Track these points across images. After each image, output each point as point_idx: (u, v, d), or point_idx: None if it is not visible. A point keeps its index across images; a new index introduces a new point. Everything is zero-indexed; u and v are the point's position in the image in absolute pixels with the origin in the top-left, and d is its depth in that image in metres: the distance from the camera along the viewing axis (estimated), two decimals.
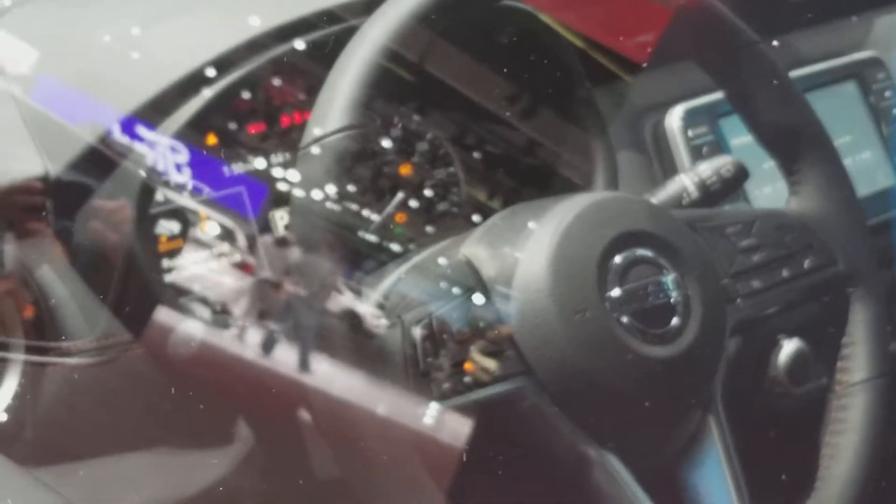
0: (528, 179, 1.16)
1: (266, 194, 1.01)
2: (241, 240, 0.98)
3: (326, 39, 1.01)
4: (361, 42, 0.83)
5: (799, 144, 0.97)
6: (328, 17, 1.03)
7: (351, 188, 1.02)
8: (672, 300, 0.84)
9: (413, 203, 1.10)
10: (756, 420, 1.11)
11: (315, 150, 0.78)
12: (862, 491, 0.89)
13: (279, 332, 0.94)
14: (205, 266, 0.97)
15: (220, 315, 0.92)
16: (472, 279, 0.83)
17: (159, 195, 0.95)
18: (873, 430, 0.92)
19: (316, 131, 0.78)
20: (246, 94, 1.01)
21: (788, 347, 1.07)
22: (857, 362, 0.94)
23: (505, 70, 1.12)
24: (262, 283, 0.92)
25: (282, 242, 0.86)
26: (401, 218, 1.10)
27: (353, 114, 0.79)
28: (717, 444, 0.86)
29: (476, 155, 1.15)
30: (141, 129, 0.94)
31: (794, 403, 1.07)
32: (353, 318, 0.81)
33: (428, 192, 1.11)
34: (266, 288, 0.90)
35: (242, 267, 0.97)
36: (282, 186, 0.98)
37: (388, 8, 0.85)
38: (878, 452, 0.91)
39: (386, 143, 1.08)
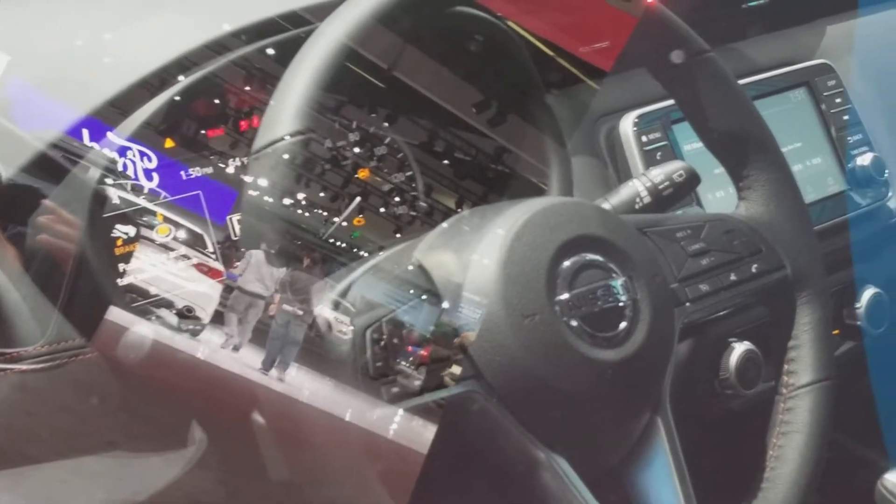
0: (485, 183, 1.17)
1: (224, 198, 1.01)
2: (200, 242, 0.98)
3: (289, 42, 1.01)
4: (313, 46, 0.83)
5: (747, 151, 0.98)
6: (292, 19, 1.03)
7: (307, 192, 1.03)
8: (621, 304, 0.85)
9: (371, 207, 1.10)
10: (706, 421, 1.12)
11: (265, 155, 0.79)
12: (806, 492, 0.91)
13: (241, 336, 0.95)
14: (163, 269, 0.97)
15: (180, 318, 0.93)
16: (424, 283, 0.83)
17: (116, 198, 0.95)
18: (818, 432, 0.93)
19: (266, 137, 0.79)
20: (205, 98, 1.01)
21: (739, 350, 1.10)
22: (802, 365, 0.96)
23: (462, 75, 1.13)
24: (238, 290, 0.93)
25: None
26: (359, 222, 1.10)
27: (303, 119, 0.79)
28: (665, 446, 0.87)
29: (435, 159, 1.15)
30: (97, 132, 0.94)
31: (744, 405, 1.09)
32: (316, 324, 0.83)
33: (386, 196, 1.12)
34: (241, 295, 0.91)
35: (204, 270, 0.98)
36: (237, 191, 0.99)
37: (341, 12, 0.86)
38: (822, 454, 0.93)
39: (343, 147, 1.08)
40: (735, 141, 0.98)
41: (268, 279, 0.97)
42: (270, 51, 1.04)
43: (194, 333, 0.93)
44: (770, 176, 0.99)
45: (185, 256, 0.97)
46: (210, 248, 0.97)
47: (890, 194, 1.33)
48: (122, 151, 0.95)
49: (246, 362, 0.94)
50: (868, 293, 1.28)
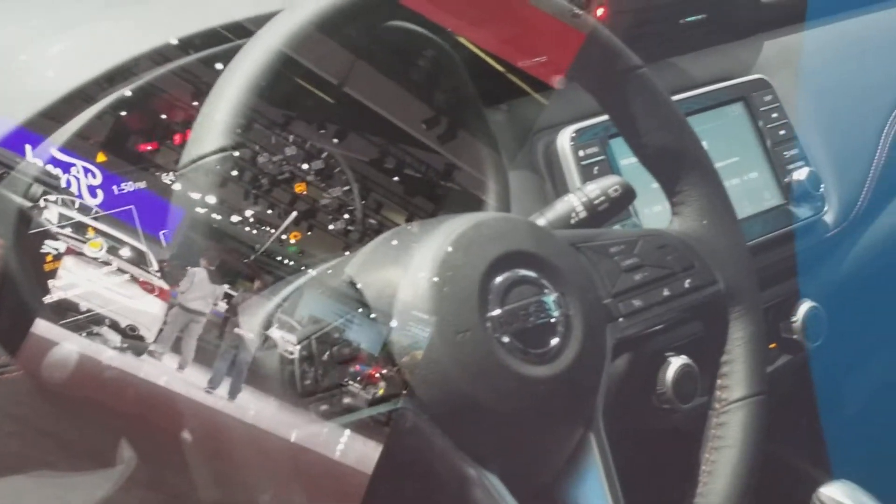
0: (423, 199, 1.17)
1: (157, 212, 1.00)
2: (144, 260, 0.97)
3: (231, 53, 1.00)
4: (243, 59, 0.83)
5: (680, 167, 0.99)
6: (235, 30, 1.02)
7: (240, 207, 1.02)
8: (553, 320, 0.84)
9: (308, 221, 1.10)
10: (644, 436, 1.13)
11: (191, 171, 0.78)
12: None
13: (184, 354, 0.94)
14: (98, 285, 0.95)
15: (123, 337, 0.91)
16: (356, 300, 0.83)
17: (46, 213, 0.93)
18: (750, 447, 0.94)
19: (190, 153, 0.78)
20: (140, 110, 1.00)
21: (675, 364, 1.10)
22: (735, 380, 0.96)
23: (398, 90, 1.13)
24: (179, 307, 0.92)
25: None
26: (295, 236, 1.09)
27: (229, 135, 0.78)
28: (598, 462, 0.87)
29: (382, 174, 1.15)
30: (27, 144, 0.92)
31: (681, 419, 1.09)
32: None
33: (323, 211, 1.11)
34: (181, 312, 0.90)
35: (149, 289, 0.96)
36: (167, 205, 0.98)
37: (274, 24, 0.85)
38: (754, 469, 0.93)
39: (278, 162, 1.08)
40: (668, 156, 0.99)
41: (210, 296, 0.96)
42: (210, 62, 1.03)
43: (138, 353, 0.92)
44: (703, 191, 0.99)
45: (127, 273, 0.95)
46: (154, 266, 0.96)
47: (826, 208, 1.34)
48: (52, 163, 0.94)
49: (190, 381, 0.92)
50: (804, 307, 1.28)
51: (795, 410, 1.35)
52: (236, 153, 0.78)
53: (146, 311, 0.94)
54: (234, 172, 0.97)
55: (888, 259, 1.44)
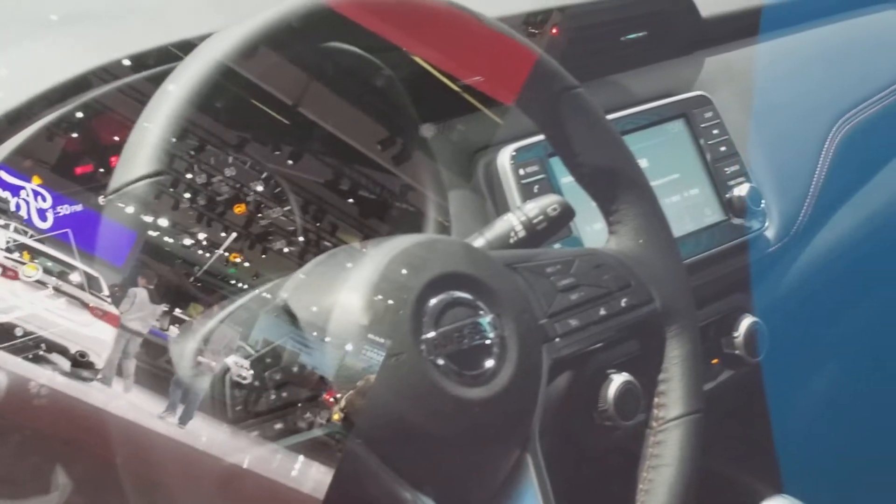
0: (363, 220, 1.17)
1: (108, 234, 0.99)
2: (96, 285, 0.95)
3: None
4: (172, 84, 0.82)
5: (616, 186, 0.99)
6: (185, 48, 1.01)
7: (178, 229, 1.01)
8: (488, 341, 0.84)
9: (248, 243, 1.09)
10: (584, 455, 1.13)
11: (121, 196, 0.77)
12: None
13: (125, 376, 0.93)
14: (39, 309, 0.94)
15: (73, 364, 0.90)
16: (289, 323, 0.82)
17: None
18: (687, 465, 0.94)
19: (119, 178, 0.77)
20: (74, 132, 0.99)
21: (617, 381, 1.10)
22: (672, 398, 0.96)
23: (337, 110, 1.12)
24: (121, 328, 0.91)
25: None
26: (235, 257, 1.09)
27: (157, 159, 0.77)
28: (534, 483, 0.87)
29: (313, 193, 1.15)
30: None
31: (623, 437, 1.10)
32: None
33: (263, 232, 1.11)
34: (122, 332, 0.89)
35: (99, 314, 0.95)
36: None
37: (200, 50, 0.84)
38: (691, 487, 0.93)
39: (216, 183, 1.07)
40: (604, 176, 0.99)
41: (150, 316, 0.95)
42: (143, 82, 1.02)
43: (87, 379, 0.90)
44: (639, 210, 1.00)
45: (76, 298, 0.94)
46: (105, 291, 0.95)
47: (767, 224, 1.35)
48: (15, 190, 0.93)
49: (137, 404, 0.92)
50: (746, 322, 1.29)
51: (738, 425, 1.36)
52: (165, 177, 0.77)
53: (96, 336, 0.93)
54: (172, 193, 0.96)
55: (829, 274, 1.46)
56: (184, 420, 0.86)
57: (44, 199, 0.94)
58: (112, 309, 0.93)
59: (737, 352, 1.30)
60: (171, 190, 1.03)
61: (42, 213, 0.94)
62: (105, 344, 0.92)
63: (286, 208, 1.13)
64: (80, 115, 0.99)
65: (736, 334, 1.30)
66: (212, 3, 1.16)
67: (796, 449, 1.43)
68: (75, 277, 0.92)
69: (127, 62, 1.02)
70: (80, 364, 0.89)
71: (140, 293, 0.94)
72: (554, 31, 1.27)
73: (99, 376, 0.90)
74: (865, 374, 1.68)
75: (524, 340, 0.87)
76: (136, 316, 0.94)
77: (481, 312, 0.85)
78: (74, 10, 1.12)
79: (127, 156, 0.78)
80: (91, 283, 0.93)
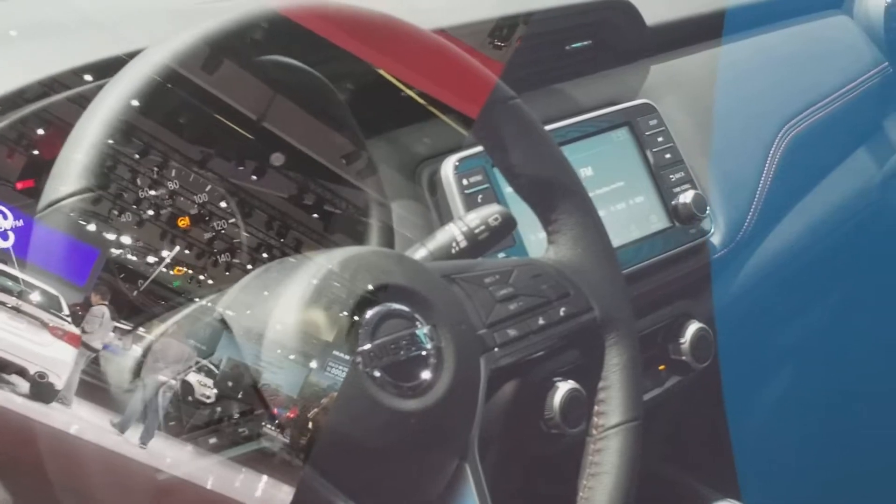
0: (307, 231, 1.17)
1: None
2: (55, 305, 0.95)
3: None
4: (103, 99, 0.82)
5: (554, 196, 1.00)
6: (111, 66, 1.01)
7: (120, 243, 1.01)
8: (424, 353, 0.85)
9: (191, 256, 1.09)
10: (529, 463, 1.13)
11: (52, 213, 0.77)
12: None
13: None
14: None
15: (32, 384, 0.89)
16: (225, 338, 0.82)
17: None
18: (626, 473, 0.94)
19: (48, 196, 0.76)
20: (12, 146, 0.98)
21: (563, 389, 1.11)
22: (611, 406, 0.97)
23: (278, 121, 1.12)
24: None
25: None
26: (179, 272, 1.08)
27: (89, 174, 0.77)
28: (473, 493, 0.87)
29: (255, 206, 1.14)
30: None
31: (570, 444, 1.10)
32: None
33: (206, 245, 1.10)
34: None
35: (59, 334, 0.94)
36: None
37: (132, 64, 0.84)
38: (630, 494, 0.94)
39: (158, 197, 1.07)
40: (542, 186, 0.99)
41: (107, 334, 0.94)
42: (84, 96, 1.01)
43: (47, 400, 0.90)
44: (576, 220, 1.00)
45: (35, 318, 0.93)
46: (65, 311, 0.94)
47: (712, 230, 1.36)
48: None
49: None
50: (692, 328, 1.30)
51: (686, 430, 1.37)
52: (95, 193, 0.77)
53: (61, 359, 0.92)
54: (110, 207, 0.95)
55: (776, 280, 1.47)
56: (145, 439, 0.86)
57: (4, 217, 0.94)
58: (72, 328, 0.92)
59: (683, 358, 1.30)
60: (110, 204, 1.02)
61: (3, 234, 0.93)
62: (65, 364, 0.91)
63: (230, 220, 1.12)
64: (28, 127, 0.99)
65: (682, 340, 1.30)
66: (173, 17, 1.16)
67: (746, 453, 1.44)
68: (35, 297, 0.91)
69: (78, 72, 1.01)
70: (40, 385, 0.89)
71: (104, 311, 0.93)
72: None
73: (59, 397, 0.89)
74: (814, 379, 1.69)
75: (461, 351, 0.87)
76: (98, 335, 0.94)
77: (418, 324, 0.85)
78: (30, 22, 1.11)
79: (55, 174, 0.78)
80: (50, 303, 0.93)
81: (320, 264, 0.85)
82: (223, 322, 0.83)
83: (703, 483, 1.31)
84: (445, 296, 0.90)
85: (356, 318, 0.83)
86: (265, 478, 0.81)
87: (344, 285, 0.83)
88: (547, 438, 1.12)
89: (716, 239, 1.37)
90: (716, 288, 1.37)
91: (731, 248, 1.38)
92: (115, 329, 0.93)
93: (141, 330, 0.89)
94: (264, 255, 1.13)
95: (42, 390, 0.87)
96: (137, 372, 0.84)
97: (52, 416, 0.86)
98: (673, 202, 1.33)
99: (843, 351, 1.72)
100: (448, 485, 0.87)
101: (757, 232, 1.42)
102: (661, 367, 1.32)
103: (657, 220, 1.32)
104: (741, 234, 1.40)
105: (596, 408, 0.98)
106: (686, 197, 1.33)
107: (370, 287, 0.84)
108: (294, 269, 0.86)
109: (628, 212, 1.30)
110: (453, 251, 0.99)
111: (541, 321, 0.96)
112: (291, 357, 0.80)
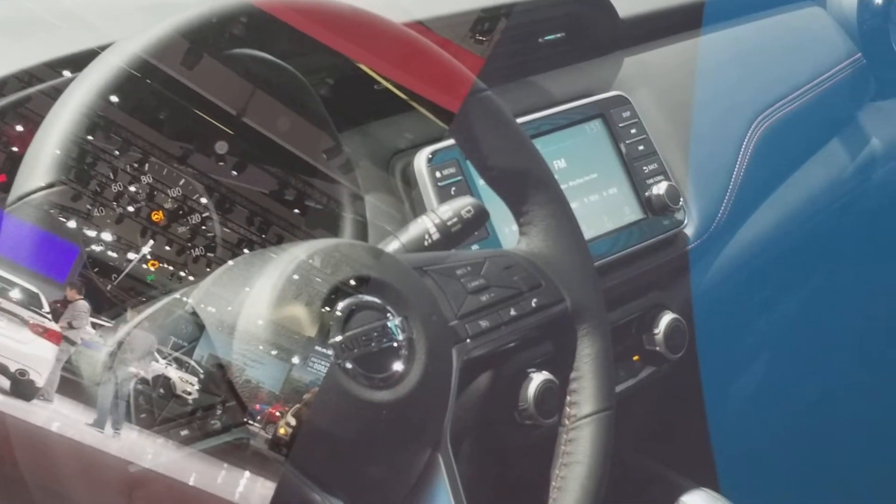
0: (280, 224, 1.17)
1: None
2: (35, 302, 0.94)
3: None
4: (73, 92, 0.82)
5: (525, 188, 1.00)
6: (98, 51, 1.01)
7: (94, 235, 1.01)
8: (396, 344, 0.85)
9: (164, 250, 1.09)
10: (502, 454, 1.14)
11: (22, 206, 0.76)
12: None
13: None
14: None
15: (13, 382, 0.89)
16: (196, 331, 0.83)
17: None
18: (598, 462, 0.95)
19: (18, 189, 0.76)
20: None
21: (537, 380, 1.11)
22: (584, 396, 0.97)
23: (250, 114, 1.12)
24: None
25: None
26: (153, 265, 1.08)
27: (59, 168, 0.77)
28: (446, 483, 0.87)
29: (228, 199, 1.14)
30: None
31: (544, 435, 1.10)
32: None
33: (179, 239, 1.10)
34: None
35: (39, 331, 0.94)
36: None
37: (104, 56, 0.84)
38: (602, 484, 0.94)
39: (132, 190, 1.07)
40: (513, 178, 1.00)
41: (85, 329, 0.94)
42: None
43: (27, 398, 0.89)
44: (548, 211, 1.01)
45: (15, 315, 0.93)
46: (46, 308, 0.94)
47: (686, 221, 1.36)
48: None
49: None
50: (666, 319, 1.31)
51: (659, 421, 1.37)
52: (65, 187, 0.77)
53: (41, 356, 0.92)
54: (82, 201, 0.95)
55: (749, 271, 1.48)
56: (116, 427, 0.86)
57: None
58: (53, 325, 0.91)
59: (657, 348, 1.31)
60: (81, 197, 1.02)
61: None
62: (46, 361, 0.91)
63: (204, 214, 1.12)
64: (1, 121, 0.98)
65: (656, 331, 1.31)
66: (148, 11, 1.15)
67: (722, 442, 1.45)
68: (14, 294, 0.91)
69: (51, 66, 1.01)
70: (20, 382, 0.88)
71: (84, 306, 0.93)
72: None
73: (40, 394, 0.89)
74: (788, 368, 1.70)
75: (433, 342, 0.87)
76: (78, 330, 0.93)
77: (389, 315, 0.86)
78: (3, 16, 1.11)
79: (25, 168, 0.78)
80: (30, 300, 0.92)
81: (292, 256, 0.85)
82: (195, 315, 0.83)
83: (679, 473, 1.32)
84: (417, 287, 0.90)
85: (328, 309, 0.83)
86: (239, 471, 0.82)
87: (315, 277, 0.84)
88: (520, 429, 1.13)
89: (689, 230, 1.38)
90: (689, 279, 1.38)
91: (704, 238, 1.39)
92: (92, 324, 0.93)
93: (116, 324, 0.89)
94: (237, 248, 1.13)
95: (23, 388, 0.86)
96: (110, 365, 0.84)
97: (33, 413, 0.86)
98: (646, 193, 1.34)
99: (817, 340, 1.73)
100: (421, 476, 0.87)
101: (730, 223, 1.43)
102: (636, 358, 1.32)
103: (631, 212, 1.33)
104: (715, 224, 1.40)
105: (568, 398, 0.98)
106: (659, 188, 1.33)
107: (342, 279, 0.84)
108: (266, 262, 0.86)
109: (602, 203, 1.31)
110: (426, 243, 0.99)
111: (512, 312, 0.96)
112: (263, 349, 0.80)
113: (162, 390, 0.83)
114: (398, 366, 0.84)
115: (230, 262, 0.89)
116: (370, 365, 0.83)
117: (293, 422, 0.80)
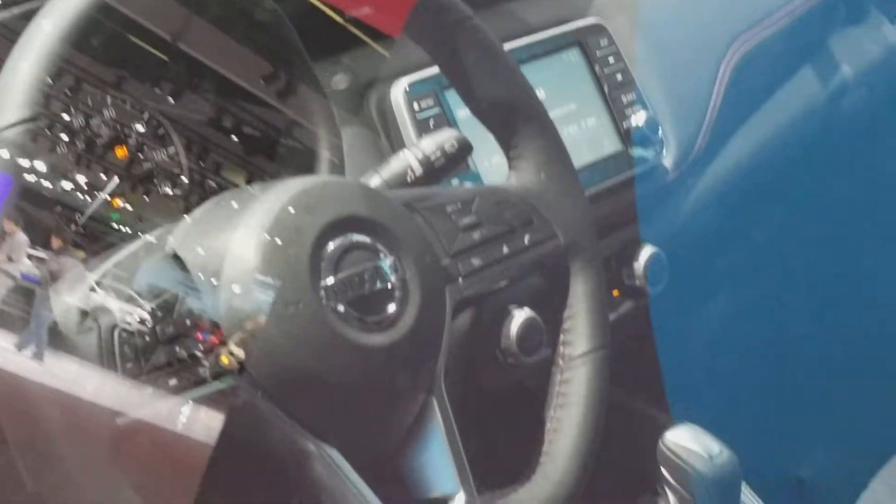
0: (254, 159, 1.13)
1: None
2: None
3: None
4: (36, 28, 0.77)
5: (514, 119, 0.96)
6: None
7: (56, 173, 0.96)
8: (389, 285, 0.81)
9: (131, 186, 1.04)
10: (491, 394, 1.11)
11: None
12: (585, 463, 0.90)
13: None
14: None
15: None
16: (179, 274, 0.78)
17: None
18: (594, 402, 0.93)
19: None
20: None
21: (519, 317, 1.08)
22: (578, 335, 0.95)
23: (220, 46, 1.08)
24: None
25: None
26: (118, 203, 1.04)
27: (27, 104, 0.73)
28: (440, 427, 0.85)
29: (199, 133, 1.10)
30: None
31: (527, 375, 1.08)
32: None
33: (147, 176, 1.06)
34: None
35: None
36: None
37: None
38: (599, 425, 0.92)
39: (95, 125, 1.02)
40: (502, 109, 0.96)
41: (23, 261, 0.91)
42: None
43: None
44: (539, 144, 0.97)
45: None
46: None
47: (664, 153, 1.33)
48: None
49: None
50: (646, 252, 1.28)
51: (638, 357, 1.35)
52: (39, 121, 0.73)
53: None
54: (49, 136, 0.91)
55: (726, 201, 1.46)
56: (38, 355, 0.82)
57: None
58: None
59: (637, 283, 1.29)
60: (48, 133, 0.97)
61: None
62: None
63: (170, 150, 1.08)
64: None
65: (637, 265, 1.29)
66: None
67: (693, 379, 1.43)
68: None
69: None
70: None
71: (22, 238, 0.89)
72: None
73: None
74: (757, 301, 1.69)
75: (427, 283, 0.84)
76: (16, 263, 0.90)
77: (381, 255, 0.82)
78: None
79: None
80: None
81: (278, 195, 0.81)
82: (175, 255, 0.79)
83: (657, 409, 1.31)
84: (408, 226, 0.86)
85: (318, 251, 0.79)
86: (227, 418, 0.78)
87: (304, 217, 0.80)
88: (504, 369, 1.10)
89: (667, 161, 1.35)
90: (668, 211, 1.36)
91: (682, 170, 1.36)
92: (30, 256, 0.90)
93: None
94: (210, 185, 1.09)
95: None
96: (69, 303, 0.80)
97: None
98: (625, 124, 1.31)
99: (784, 274, 1.72)
100: (415, 420, 0.85)
101: (708, 153, 1.40)
102: (615, 293, 1.30)
103: (609, 143, 1.30)
104: (693, 155, 1.38)
105: (562, 337, 0.96)
106: (638, 119, 1.30)
107: (331, 218, 0.81)
108: (250, 201, 0.82)
109: (581, 135, 1.28)
110: (409, 179, 0.96)
111: (505, 249, 0.93)
112: (249, 290, 0.76)
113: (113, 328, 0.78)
114: (392, 308, 0.81)
115: (211, 202, 0.85)
116: (363, 307, 0.80)
117: (284, 368, 0.76)
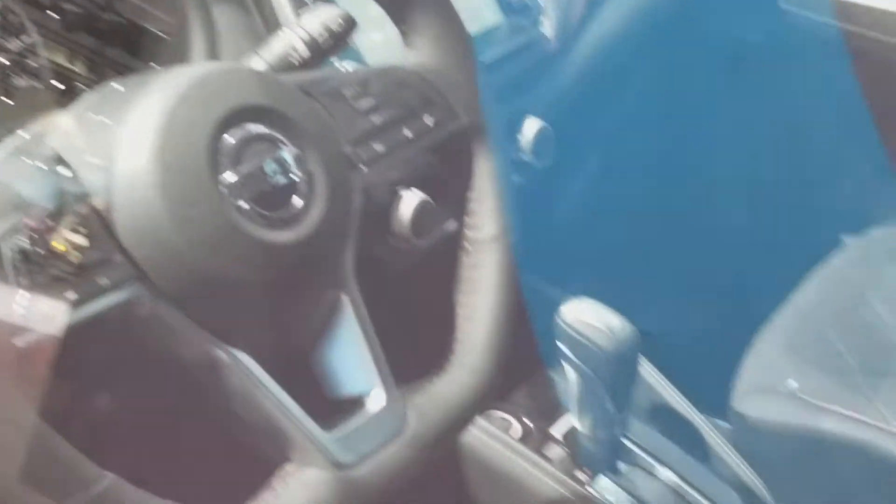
0: (116, 42, 1.04)
1: None
2: None
3: None
4: None
5: None
6: None
7: None
8: (294, 178, 0.77)
9: None
10: (391, 286, 1.08)
11: None
12: (501, 352, 0.88)
13: None
14: None
15: None
16: (66, 177, 0.72)
17: None
18: (506, 287, 0.91)
19: None
20: None
21: (409, 199, 1.04)
22: (483, 218, 0.92)
23: None
24: None
25: None
26: None
27: None
28: (354, 321, 0.82)
29: (56, 17, 1.01)
30: None
31: (425, 260, 1.05)
32: None
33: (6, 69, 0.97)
34: None
35: None
36: None
37: None
38: (512, 310, 0.90)
39: None
40: None
41: None
42: None
43: None
44: (435, 19, 0.93)
45: None
46: None
47: (542, 20, 1.30)
48: None
49: None
50: (533, 126, 1.25)
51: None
52: None
53: None
54: None
55: (605, 66, 1.43)
56: None
57: None
58: None
59: (524, 157, 1.26)
60: None
61: None
62: None
63: (24, 38, 0.99)
64: None
65: (522, 138, 1.26)
66: None
67: (580, 252, 1.42)
68: None
69: None
70: None
71: None
72: None
73: None
74: (627, 168, 1.68)
75: (332, 173, 0.80)
76: None
77: (283, 146, 0.77)
78: None
79: None
80: None
81: (164, 87, 0.75)
82: (59, 160, 0.73)
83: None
84: (308, 113, 0.81)
85: (214, 145, 0.73)
86: (130, 329, 0.73)
87: (198, 110, 0.74)
88: (398, 253, 1.07)
89: (547, 29, 1.32)
90: (549, 82, 1.33)
91: (563, 39, 1.33)
92: None
93: None
94: (74, 81, 1.01)
95: None
96: None
97: None
98: None
99: (652, 140, 1.71)
100: (325, 317, 0.81)
101: (587, 20, 1.37)
102: None
103: (491, 15, 1.26)
104: (572, 22, 1.35)
105: (467, 219, 0.93)
106: None
107: (227, 109, 0.75)
108: (137, 94, 0.75)
109: (461, 7, 1.23)
110: (294, 62, 0.90)
111: (406, 133, 0.89)
112: (144, 195, 0.71)
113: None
114: (298, 202, 0.76)
115: (92, 95, 0.78)
116: (267, 203, 0.75)
117: (187, 271, 0.72)
